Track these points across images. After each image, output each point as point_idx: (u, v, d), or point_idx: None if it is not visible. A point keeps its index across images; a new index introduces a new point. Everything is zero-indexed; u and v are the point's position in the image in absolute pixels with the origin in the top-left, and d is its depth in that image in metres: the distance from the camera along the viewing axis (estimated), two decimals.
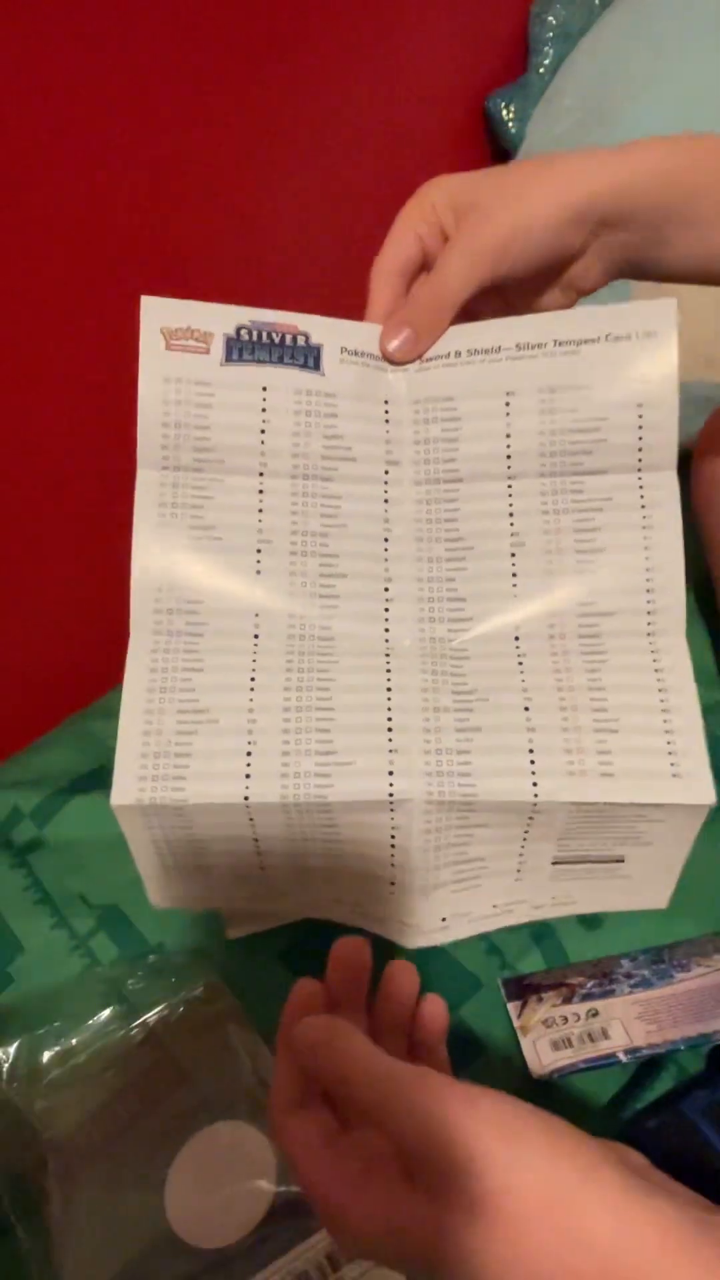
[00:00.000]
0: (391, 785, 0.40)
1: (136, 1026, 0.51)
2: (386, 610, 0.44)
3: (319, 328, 0.44)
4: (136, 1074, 0.49)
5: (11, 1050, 0.49)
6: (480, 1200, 0.27)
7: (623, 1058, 0.46)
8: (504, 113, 0.84)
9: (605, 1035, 0.47)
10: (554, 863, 0.45)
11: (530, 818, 0.41)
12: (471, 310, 0.44)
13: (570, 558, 0.43)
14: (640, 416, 0.43)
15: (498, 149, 0.86)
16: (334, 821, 0.41)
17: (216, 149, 0.66)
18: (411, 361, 0.44)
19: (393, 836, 0.41)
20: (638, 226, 0.42)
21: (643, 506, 0.43)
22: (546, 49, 0.83)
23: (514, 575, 0.44)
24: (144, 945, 0.56)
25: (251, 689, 0.42)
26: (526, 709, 0.41)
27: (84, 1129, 0.47)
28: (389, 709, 0.42)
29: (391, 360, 0.44)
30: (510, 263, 0.42)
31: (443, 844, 0.42)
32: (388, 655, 0.43)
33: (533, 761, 0.40)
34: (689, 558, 0.43)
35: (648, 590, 0.43)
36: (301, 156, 0.72)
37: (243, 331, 0.43)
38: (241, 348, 0.43)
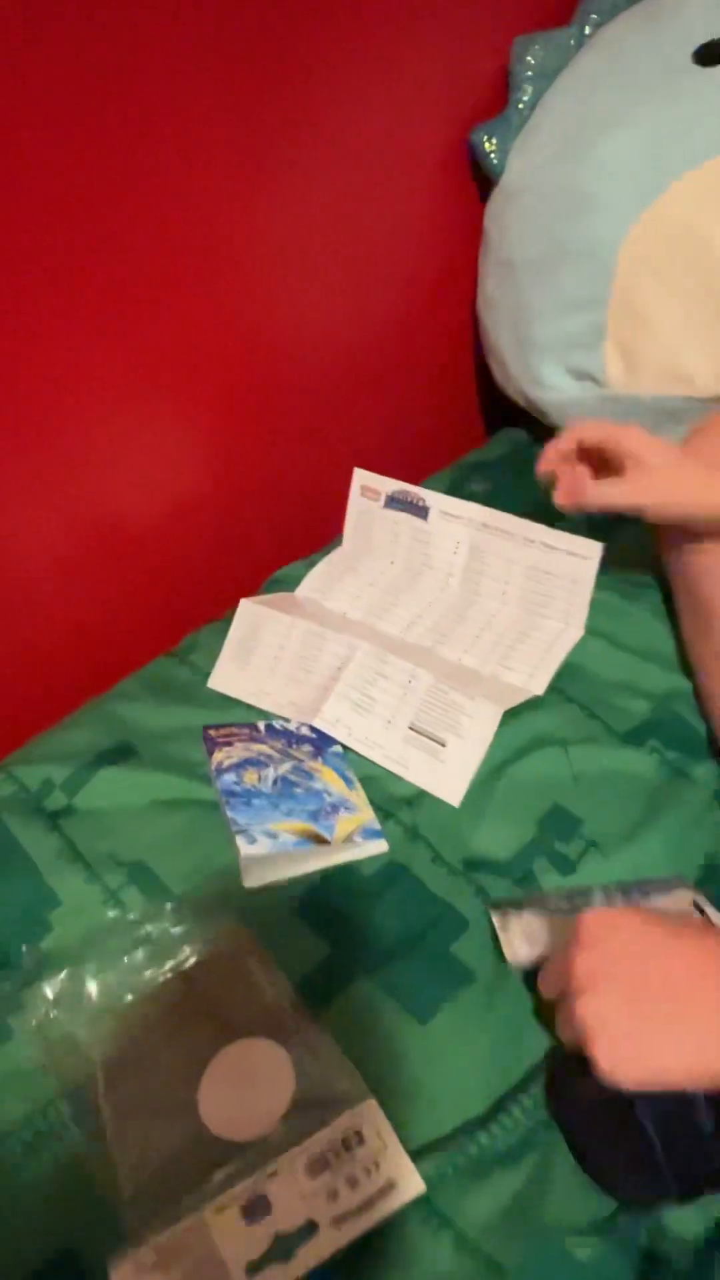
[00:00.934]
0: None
1: (167, 966, 0.58)
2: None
3: (429, 497, 0.80)
4: (168, 1005, 0.56)
5: (58, 982, 0.56)
6: None
7: None
8: (486, 144, 0.91)
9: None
10: (410, 728, 0.69)
11: (409, 680, 0.69)
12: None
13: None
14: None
15: (480, 177, 0.94)
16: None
17: (217, 177, 0.73)
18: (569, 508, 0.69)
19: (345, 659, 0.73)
20: None
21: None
22: (526, 86, 0.90)
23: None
24: (169, 896, 0.62)
25: None
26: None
27: (126, 1050, 0.53)
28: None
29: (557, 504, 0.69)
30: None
31: (363, 676, 0.71)
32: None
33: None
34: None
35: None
36: (299, 182, 0.79)
37: (395, 493, 0.81)
38: (393, 501, 0.82)
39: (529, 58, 0.90)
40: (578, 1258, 0.44)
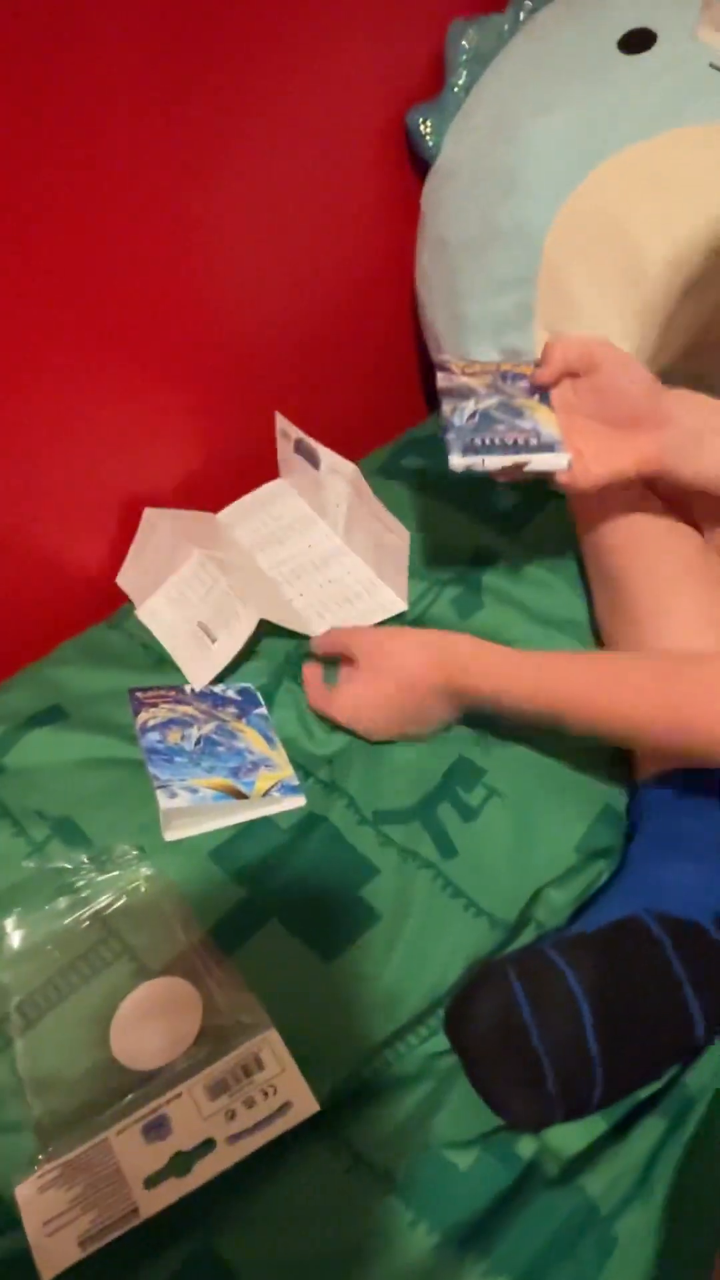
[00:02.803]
0: None
1: (86, 913, 0.60)
2: None
3: (320, 451, 0.86)
4: (86, 948, 0.58)
5: None
6: None
7: None
8: (422, 126, 0.93)
9: None
10: (198, 624, 0.79)
11: (213, 585, 0.79)
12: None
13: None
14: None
15: (416, 159, 0.96)
16: None
17: (158, 157, 0.74)
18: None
19: None
20: None
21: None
22: (461, 70, 0.92)
23: None
24: (92, 848, 0.64)
25: None
26: None
27: (44, 991, 0.56)
28: None
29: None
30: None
31: (185, 578, 0.81)
32: None
33: None
34: None
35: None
36: (240, 161, 0.81)
37: (298, 440, 0.88)
38: (299, 447, 0.89)
39: (464, 42, 0.92)
40: (460, 1167, 0.47)
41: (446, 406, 0.66)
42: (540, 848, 0.64)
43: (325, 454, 0.85)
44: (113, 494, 0.87)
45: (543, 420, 0.64)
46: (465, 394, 0.66)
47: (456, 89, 0.93)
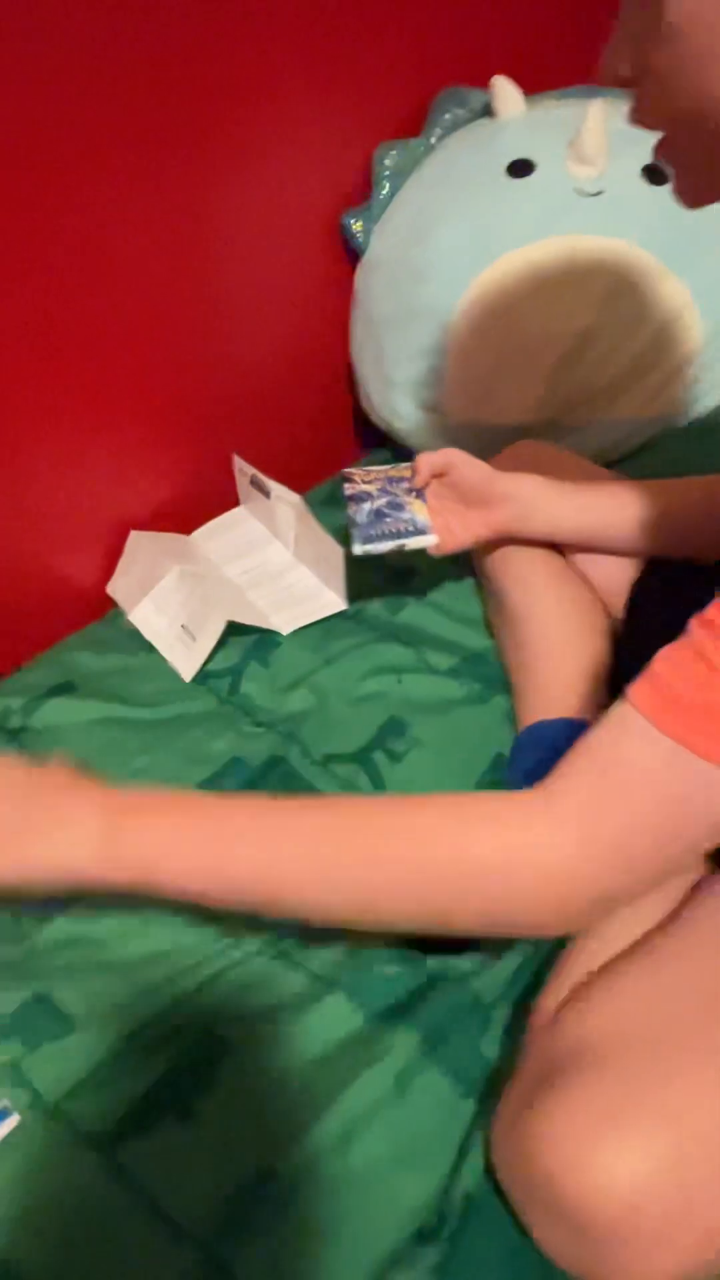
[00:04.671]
0: None
1: None
2: None
3: (269, 484, 1.07)
4: None
5: None
6: None
7: None
8: (354, 226, 1.16)
9: None
10: (181, 626, 0.98)
11: (190, 592, 0.98)
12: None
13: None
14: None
15: (351, 252, 1.19)
16: None
17: (125, 250, 0.95)
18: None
19: None
20: None
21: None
22: (385, 182, 1.16)
23: None
24: None
25: None
26: None
27: None
28: None
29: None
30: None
31: (168, 588, 1.00)
32: None
33: None
34: None
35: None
36: (210, 244, 1.03)
37: (253, 477, 1.10)
38: (253, 481, 1.10)
39: (387, 161, 1.16)
40: (386, 974, 0.66)
41: (351, 508, 0.86)
42: (448, 783, 0.84)
43: (275, 487, 1.07)
44: (104, 518, 1.07)
45: (418, 511, 0.85)
46: (363, 498, 0.87)
47: (381, 197, 1.16)
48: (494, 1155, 0.53)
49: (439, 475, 0.86)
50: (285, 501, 1.07)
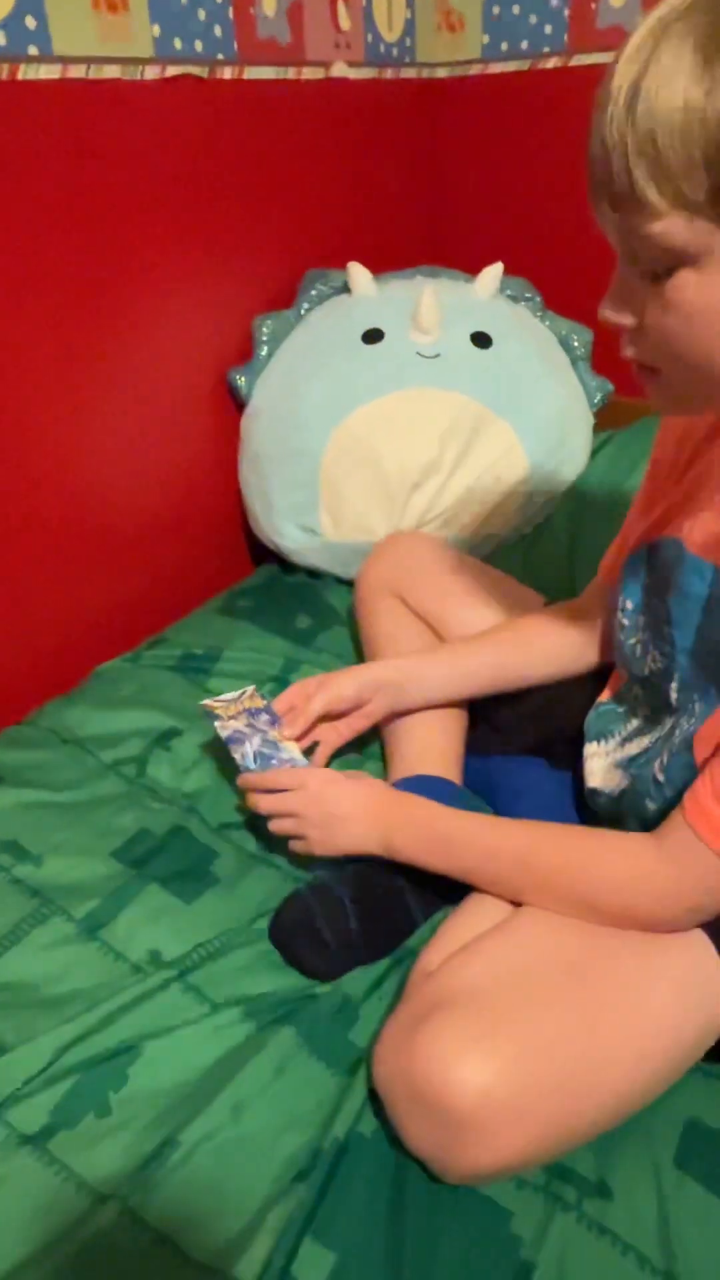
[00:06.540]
0: None
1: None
2: None
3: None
4: None
5: None
6: None
7: None
8: (239, 381, 1.38)
9: None
10: None
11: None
12: None
13: None
14: None
15: (237, 404, 1.40)
16: None
17: (38, 401, 1.15)
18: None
19: None
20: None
21: None
22: (263, 345, 1.39)
23: None
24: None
25: None
26: None
27: None
28: None
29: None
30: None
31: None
32: None
33: None
34: None
35: None
36: (112, 397, 1.22)
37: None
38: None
39: (264, 328, 1.39)
40: (275, 993, 0.80)
41: (235, 753, 0.91)
42: None
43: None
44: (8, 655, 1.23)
45: (290, 749, 0.92)
46: (240, 739, 0.93)
47: (261, 357, 1.39)
48: (377, 1072, 0.67)
49: (308, 694, 0.95)
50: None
